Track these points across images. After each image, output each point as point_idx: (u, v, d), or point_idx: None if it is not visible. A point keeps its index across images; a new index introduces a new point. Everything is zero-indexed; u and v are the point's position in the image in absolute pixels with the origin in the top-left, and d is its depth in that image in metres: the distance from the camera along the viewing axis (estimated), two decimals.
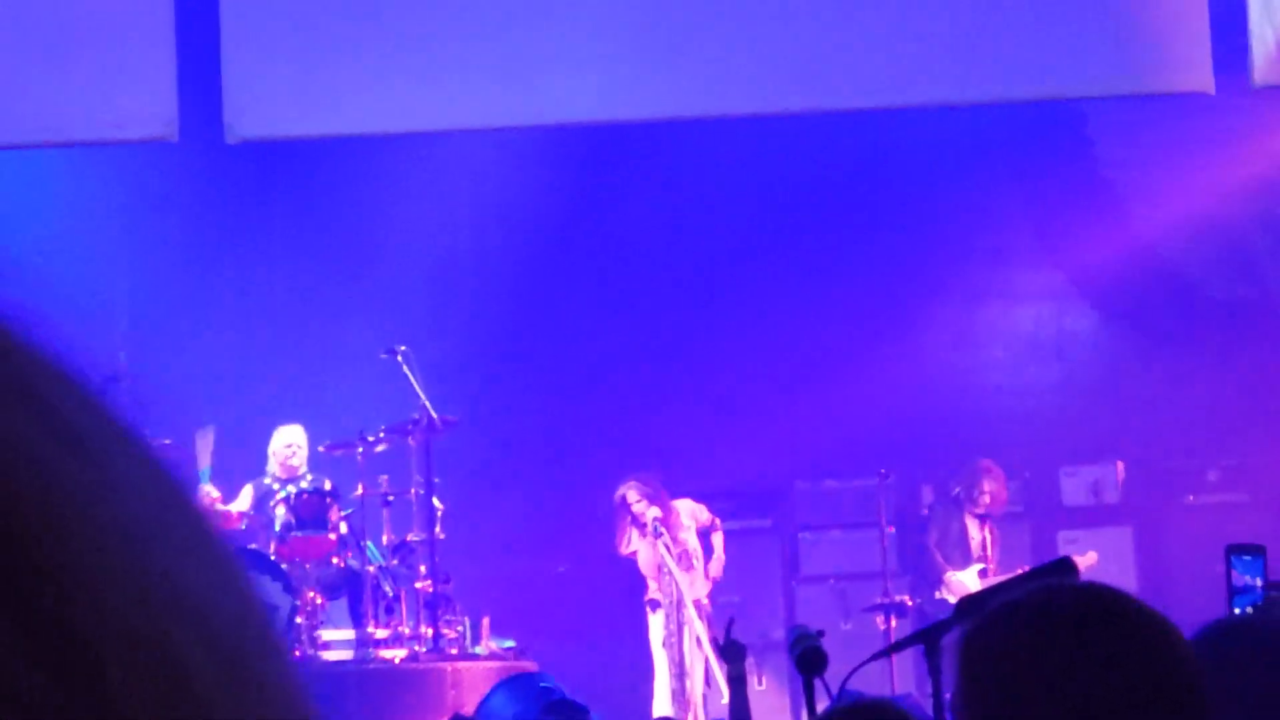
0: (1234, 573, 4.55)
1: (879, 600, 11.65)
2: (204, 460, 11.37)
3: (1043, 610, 2.14)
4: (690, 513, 11.46)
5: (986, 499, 12.11)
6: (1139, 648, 2.09)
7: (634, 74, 10.19)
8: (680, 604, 11.06)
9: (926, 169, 13.29)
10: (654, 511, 11.10)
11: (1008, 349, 13.77)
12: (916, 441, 13.14)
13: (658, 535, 11.06)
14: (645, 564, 11.25)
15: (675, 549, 11.17)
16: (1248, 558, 4.55)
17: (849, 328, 13.52)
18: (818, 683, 3.92)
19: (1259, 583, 4.56)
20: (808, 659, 3.95)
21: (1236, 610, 4.47)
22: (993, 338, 13.82)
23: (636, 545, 11.26)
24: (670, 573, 11.05)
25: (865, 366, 13.42)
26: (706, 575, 11.38)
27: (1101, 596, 2.17)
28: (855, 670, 3.83)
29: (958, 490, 12.24)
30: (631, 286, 13.77)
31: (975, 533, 12.17)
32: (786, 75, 10.22)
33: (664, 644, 11.13)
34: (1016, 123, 12.95)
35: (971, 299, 13.80)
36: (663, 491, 11.33)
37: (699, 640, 11.02)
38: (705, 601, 11.28)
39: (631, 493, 11.23)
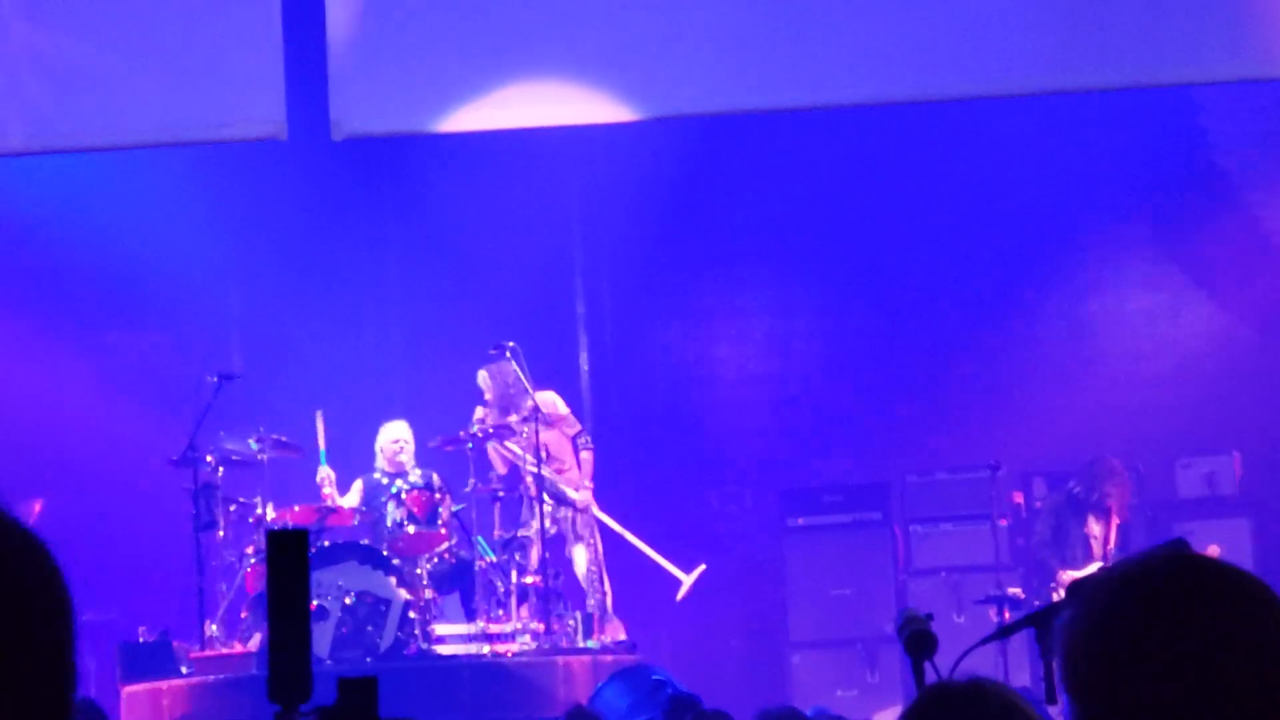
0: None
1: (991, 593, 11.55)
2: (321, 442, 11.49)
3: (1146, 580, 2.09)
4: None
5: (1109, 500, 11.89)
6: (1245, 618, 2.04)
7: (744, 64, 10.14)
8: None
9: (1040, 159, 13.17)
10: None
11: (1121, 340, 13.62)
12: (1029, 434, 13.03)
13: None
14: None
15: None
16: None
17: (961, 319, 13.44)
18: (927, 667, 3.87)
19: None
20: (916, 641, 3.90)
21: None
22: (1107, 328, 13.67)
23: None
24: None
25: (977, 358, 13.34)
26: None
27: (1207, 568, 2.12)
28: (966, 654, 3.79)
29: (1077, 488, 12.03)
30: (738, 281, 13.75)
31: (1096, 530, 11.98)
32: (901, 64, 10.15)
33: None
34: (1130, 111, 12.82)
35: (1085, 289, 13.66)
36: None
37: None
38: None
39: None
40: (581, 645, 11.08)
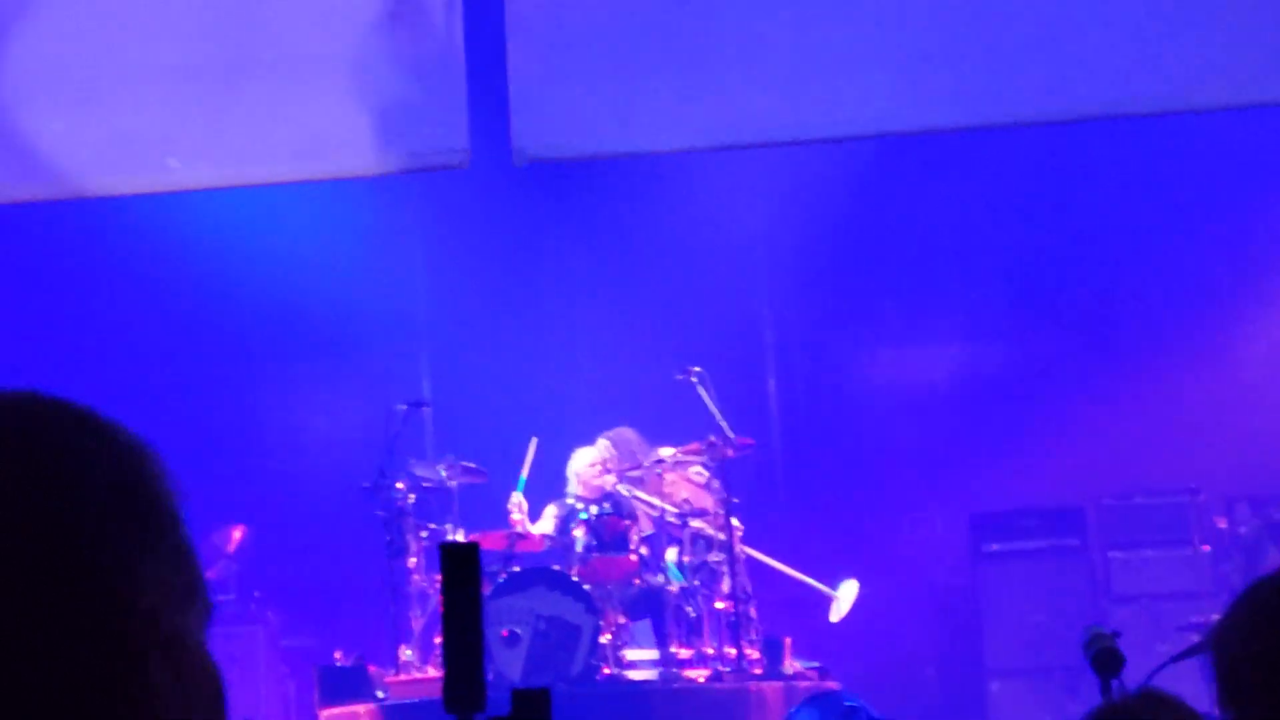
0: None
1: (1193, 620, 11.31)
2: (526, 468, 11.55)
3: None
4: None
5: None
6: None
7: (928, 84, 10.04)
8: None
9: (1238, 173, 12.91)
10: None
11: None
12: (1229, 457, 12.74)
13: None
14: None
15: None
16: None
17: (1157, 338, 13.21)
18: (1115, 685, 3.78)
19: None
20: (1103, 659, 3.81)
21: None
22: None
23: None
24: None
25: (1174, 377, 13.08)
26: None
27: None
28: (1154, 674, 3.69)
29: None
30: (927, 305, 13.62)
31: None
32: (1082, 80, 9.99)
33: None
34: None
35: None
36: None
37: None
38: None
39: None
40: (773, 671, 11.01)
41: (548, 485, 11.82)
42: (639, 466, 11.56)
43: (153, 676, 1.33)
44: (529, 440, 11.67)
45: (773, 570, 11.75)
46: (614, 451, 11.77)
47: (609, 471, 11.74)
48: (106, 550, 1.31)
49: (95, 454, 1.34)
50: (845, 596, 11.75)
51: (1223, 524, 12.66)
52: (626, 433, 11.78)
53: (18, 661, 1.25)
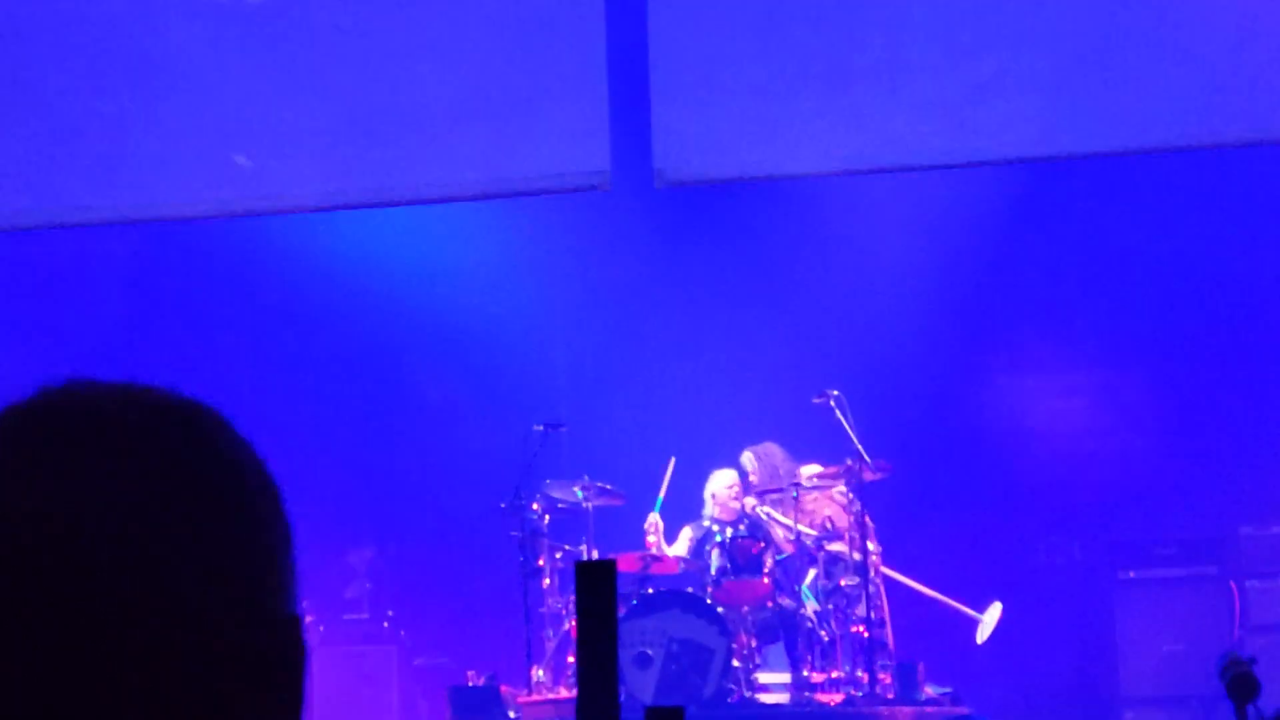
0: None
1: None
2: (664, 489, 11.60)
3: None
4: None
5: None
6: None
7: (1072, 109, 9.97)
8: None
9: None
10: None
11: None
12: None
13: None
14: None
15: None
16: None
17: None
18: (1250, 710, 3.75)
19: None
20: (1238, 685, 3.79)
21: None
22: None
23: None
24: None
25: None
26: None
27: None
28: None
29: None
30: (1067, 332, 13.52)
31: None
32: (1229, 106, 9.88)
33: None
34: None
35: None
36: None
37: None
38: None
39: None
40: (906, 696, 10.96)
41: (685, 507, 11.85)
42: (779, 490, 11.57)
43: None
44: (666, 462, 11.72)
45: (908, 594, 11.71)
46: (758, 465, 11.79)
47: (750, 492, 11.76)
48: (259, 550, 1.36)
49: (248, 459, 1.40)
50: (990, 618, 11.69)
51: None
52: (771, 448, 11.81)
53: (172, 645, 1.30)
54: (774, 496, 11.65)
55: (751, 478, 11.80)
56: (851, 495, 11.33)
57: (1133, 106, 9.83)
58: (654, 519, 11.56)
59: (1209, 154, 11.51)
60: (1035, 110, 9.92)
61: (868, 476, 11.28)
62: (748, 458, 11.85)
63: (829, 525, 11.51)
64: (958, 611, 11.78)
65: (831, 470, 11.40)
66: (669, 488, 11.67)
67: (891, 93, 10.00)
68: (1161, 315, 13.32)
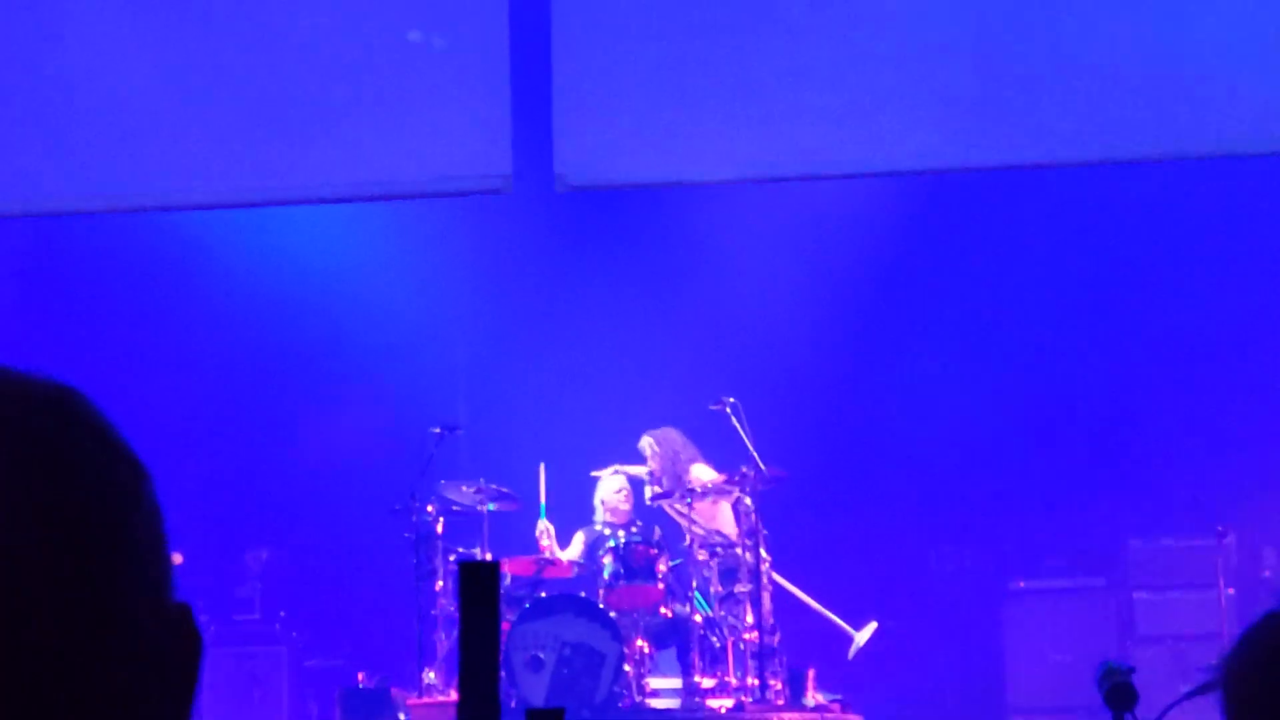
0: None
1: (1218, 662, 11.27)
2: (542, 494, 11.61)
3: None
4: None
5: None
6: None
7: (971, 121, 10.05)
8: None
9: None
10: None
11: None
12: (1256, 500, 12.72)
13: None
14: None
15: None
16: None
17: (1186, 380, 13.19)
18: (1128, 719, 3.81)
19: None
20: (1117, 694, 3.84)
21: None
22: None
23: None
24: None
25: (1204, 421, 13.07)
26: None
27: None
28: (1168, 710, 3.71)
29: None
30: (963, 341, 13.62)
31: None
32: (1147, 122, 9.91)
33: None
34: None
35: None
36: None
37: None
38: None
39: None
40: (795, 702, 11.03)
41: (579, 512, 11.87)
42: (669, 494, 11.60)
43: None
44: (560, 467, 11.73)
45: (799, 602, 11.78)
46: (658, 449, 11.82)
47: (654, 480, 11.78)
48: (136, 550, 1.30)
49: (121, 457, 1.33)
50: (862, 637, 11.77)
51: (1248, 567, 12.63)
52: (671, 433, 11.85)
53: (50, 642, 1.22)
54: (668, 501, 11.69)
55: (651, 463, 11.83)
56: (748, 501, 11.37)
57: (1039, 119, 9.92)
58: (544, 524, 11.57)
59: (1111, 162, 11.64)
60: (937, 120, 10.01)
61: (761, 484, 11.33)
62: (647, 442, 11.88)
63: (719, 534, 11.57)
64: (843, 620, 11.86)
65: (724, 477, 11.44)
66: (560, 493, 11.67)
67: (794, 102, 10.06)
68: (1053, 326, 13.44)
